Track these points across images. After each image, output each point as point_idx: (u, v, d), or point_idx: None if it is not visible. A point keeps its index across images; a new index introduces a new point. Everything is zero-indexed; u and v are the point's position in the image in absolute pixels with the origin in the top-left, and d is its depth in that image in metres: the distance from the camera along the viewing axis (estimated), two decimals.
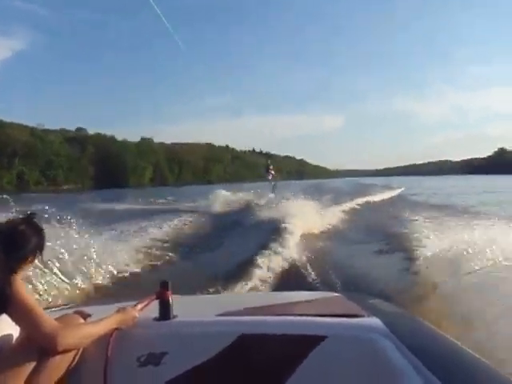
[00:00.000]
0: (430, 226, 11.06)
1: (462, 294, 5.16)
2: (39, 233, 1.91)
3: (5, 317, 1.71)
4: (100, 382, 1.72)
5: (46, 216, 7.83)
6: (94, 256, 8.28)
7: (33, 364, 1.69)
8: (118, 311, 1.91)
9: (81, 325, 1.87)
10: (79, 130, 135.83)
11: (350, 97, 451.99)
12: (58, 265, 7.15)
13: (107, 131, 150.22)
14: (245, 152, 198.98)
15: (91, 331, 1.80)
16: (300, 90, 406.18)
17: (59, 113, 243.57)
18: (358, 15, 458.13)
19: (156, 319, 1.93)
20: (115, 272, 8.37)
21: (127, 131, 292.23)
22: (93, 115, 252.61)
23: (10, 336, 1.76)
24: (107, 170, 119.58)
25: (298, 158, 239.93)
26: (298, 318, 1.86)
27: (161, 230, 13.43)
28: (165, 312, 1.93)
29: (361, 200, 26.42)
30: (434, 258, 7.37)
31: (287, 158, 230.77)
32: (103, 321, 1.84)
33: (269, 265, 8.42)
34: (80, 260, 7.89)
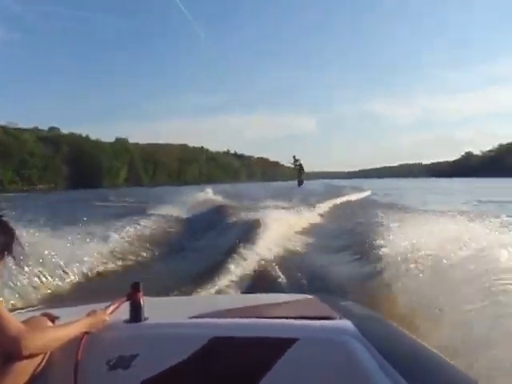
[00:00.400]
0: (391, 224, 11.45)
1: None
2: (8, 232, 1.82)
3: None
4: None
5: (15, 215, 7.66)
6: (63, 256, 8.11)
7: None
8: (89, 314, 1.84)
9: (49, 328, 1.79)
10: (52, 129, 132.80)
11: (324, 99, 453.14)
12: (25, 265, 6.97)
13: (80, 130, 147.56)
14: (219, 153, 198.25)
15: (59, 334, 1.73)
16: (274, 91, 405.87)
17: (31, 111, 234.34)
18: (331, 17, 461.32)
19: (127, 321, 1.87)
20: (85, 273, 8.22)
21: (100, 130, 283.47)
22: (65, 114, 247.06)
23: None
24: (81, 169, 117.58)
25: (271, 159, 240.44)
26: (271, 320, 1.84)
27: (132, 230, 13.22)
28: (136, 314, 1.87)
29: (331, 201, 26.89)
30: (394, 256, 7.64)
31: (261, 159, 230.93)
32: (72, 324, 1.77)
33: (241, 266, 8.39)
34: (48, 260, 7.71)
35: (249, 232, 11.47)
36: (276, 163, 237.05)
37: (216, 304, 2.41)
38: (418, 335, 2.09)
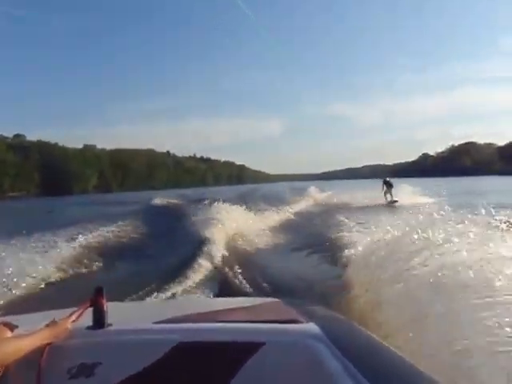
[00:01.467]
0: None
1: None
2: None
3: None
4: None
5: None
6: (25, 263, 7.85)
7: None
8: (51, 323, 1.72)
9: (8, 338, 1.67)
10: (17, 136, 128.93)
11: (289, 102, 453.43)
12: None
13: (43, 136, 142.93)
14: (186, 158, 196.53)
15: (21, 345, 1.58)
16: (240, 94, 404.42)
17: None
18: (296, 18, 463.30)
19: (90, 328, 1.77)
20: (47, 278, 7.99)
21: (63, 136, 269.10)
22: (27, 120, 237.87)
23: None
24: (52, 176, 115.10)
25: (238, 163, 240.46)
26: (237, 324, 1.79)
27: (95, 236, 12.96)
28: (99, 320, 1.77)
29: (292, 203, 27.18)
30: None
31: (227, 163, 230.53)
32: (34, 334, 1.63)
33: (203, 270, 8.31)
34: (6, 267, 7.43)
35: (211, 234, 11.34)
36: (242, 166, 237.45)
37: (181, 308, 2.34)
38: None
